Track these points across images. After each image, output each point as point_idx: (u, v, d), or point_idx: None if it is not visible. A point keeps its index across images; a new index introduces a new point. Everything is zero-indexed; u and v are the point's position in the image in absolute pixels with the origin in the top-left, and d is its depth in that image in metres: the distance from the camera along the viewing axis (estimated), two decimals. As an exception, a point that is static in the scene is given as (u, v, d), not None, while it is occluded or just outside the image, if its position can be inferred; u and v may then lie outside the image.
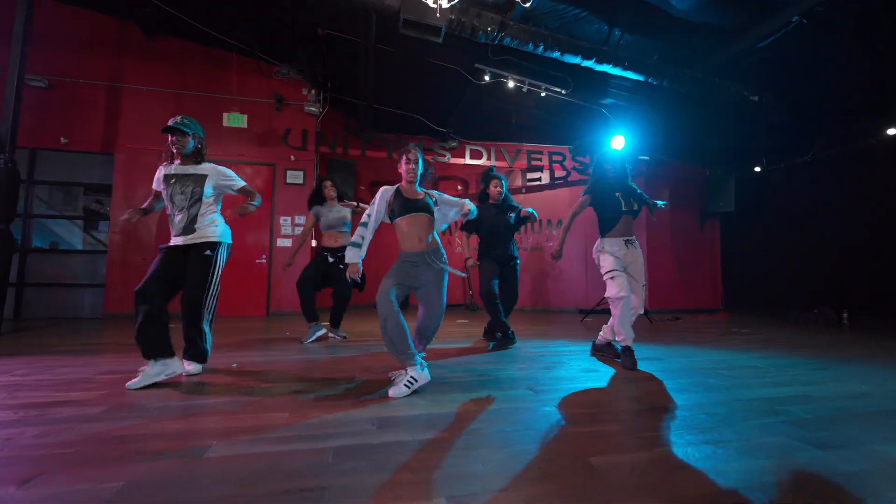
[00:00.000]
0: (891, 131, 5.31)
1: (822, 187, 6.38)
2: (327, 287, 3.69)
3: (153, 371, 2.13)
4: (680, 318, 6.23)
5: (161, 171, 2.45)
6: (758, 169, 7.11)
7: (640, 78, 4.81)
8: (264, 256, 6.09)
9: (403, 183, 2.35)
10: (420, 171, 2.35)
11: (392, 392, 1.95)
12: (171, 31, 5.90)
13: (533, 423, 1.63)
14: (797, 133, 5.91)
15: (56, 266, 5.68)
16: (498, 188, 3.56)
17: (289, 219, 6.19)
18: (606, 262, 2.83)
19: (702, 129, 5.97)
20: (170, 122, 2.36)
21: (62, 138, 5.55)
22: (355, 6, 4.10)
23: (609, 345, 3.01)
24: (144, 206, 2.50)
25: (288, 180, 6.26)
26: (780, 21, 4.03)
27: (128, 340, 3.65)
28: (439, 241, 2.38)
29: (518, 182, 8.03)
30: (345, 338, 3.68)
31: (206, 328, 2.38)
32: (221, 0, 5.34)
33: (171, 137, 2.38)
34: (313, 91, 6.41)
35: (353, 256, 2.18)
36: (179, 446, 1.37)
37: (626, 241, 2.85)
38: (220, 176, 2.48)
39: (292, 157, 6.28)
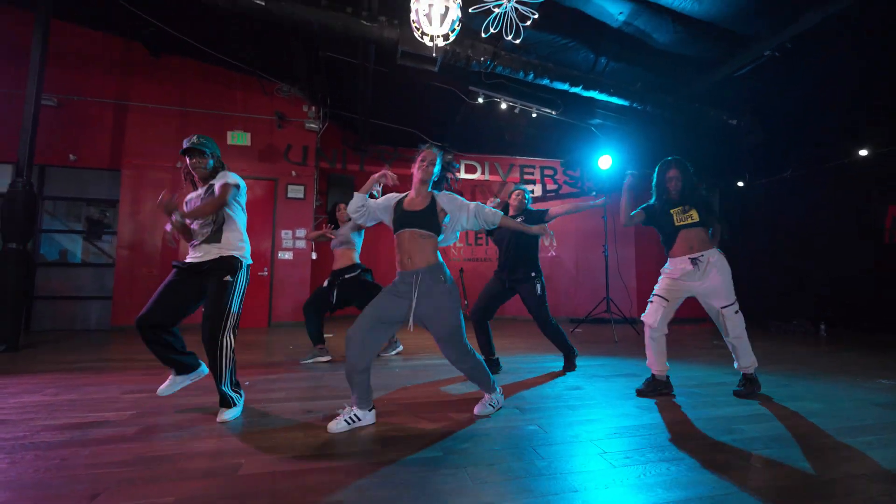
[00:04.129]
0: (862, 152, 5.63)
1: (800, 203, 6.68)
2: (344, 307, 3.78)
3: (179, 379, 2.29)
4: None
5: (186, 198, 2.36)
6: (741, 184, 7.43)
7: (625, 103, 5.09)
8: (266, 269, 6.31)
9: (415, 183, 2.15)
10: (437, 172, 2.15)
11: (330, 426, 1.96)
12: (177, 51, 6.10)
13: (517, 441, 1.88)
14: (776, 152, 6.21)
15: (63, 279, 5.85)
16: (519, 199, 3.31)
17: (290, 232, 6.41)
18: (658, 285, 2.66)
19: (686, 148, 6.27)
20: (186, 144, 2.25)
21: (71, 155, 5.74)
22: (358, 38, 4.33)
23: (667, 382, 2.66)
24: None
25: (289, 195, 6.48)
26: (753, 54, 4.32)
27: (139, 356, 3.87)
28: (439, 257, 2.13)
29: (511, 194, 8.30)
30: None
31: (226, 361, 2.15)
32: (224, 21, 5.55)
33: (191, 160, 2.27)
34: (313, 108, 6.64)
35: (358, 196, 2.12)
36: (215, 465, 1.60)
37: (693, 260, 2.56)
38: (220, 177, 2.27)
39: (293, 173, 6.50)
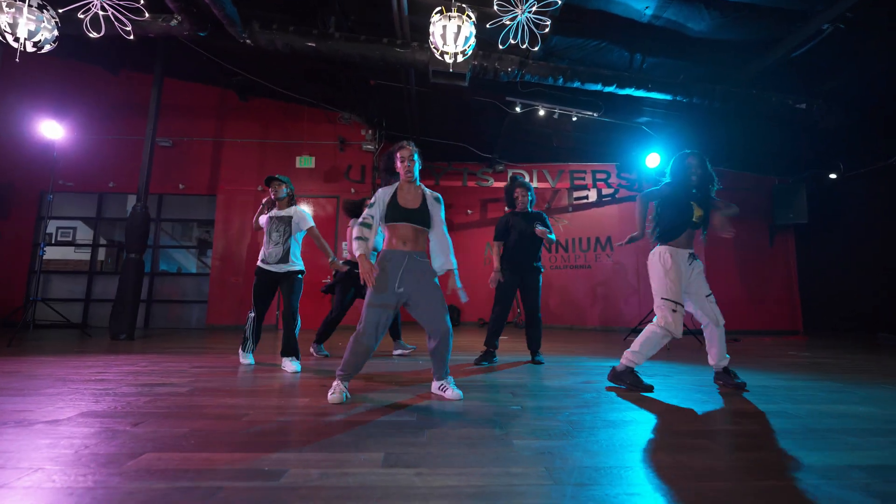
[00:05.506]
0: None
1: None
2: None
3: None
4: (739, 339, 5.85)
5: (265, 215, 3.42)
6: (833, 176, 6.52)
7: (668, 97, 4.87)
8: (329, 277, 6.98)
9: (402, 180, 2.36)
10: (418, 166, 2.37)
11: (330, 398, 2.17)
12: (259, 93, 7.21)
13: (490, 415, 1.99)
14: (868, 136, 5.40)
15: (174, 286, 7.10)
16: (524, 197, 3.61)
17: (348, 243, 7.04)
18: (667, 285, 2.50)
19: (745, 138, 5.72)
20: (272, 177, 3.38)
21: (180, 185, 7.02)
22: (394, 64, 4.80)
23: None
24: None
25: (349, 210, 7.15)
26: (809, 31, 3.92)
27: (214, 346, 4.59)
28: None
29: (564, 201, 8.18)
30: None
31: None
32: (290, 63, 6.45)
33: (272, 186, 3.36)
34: (370, 131, 7.32)
35: (358, 249, 2.20)
36: (229, 412, 1.97)
37: (691, 255, 2.62)
38: (298, 216, 3.38)
39: (353, 190, 7.19)
